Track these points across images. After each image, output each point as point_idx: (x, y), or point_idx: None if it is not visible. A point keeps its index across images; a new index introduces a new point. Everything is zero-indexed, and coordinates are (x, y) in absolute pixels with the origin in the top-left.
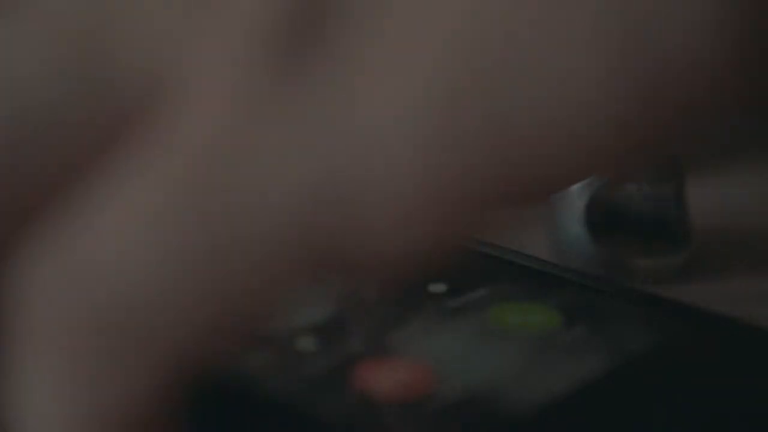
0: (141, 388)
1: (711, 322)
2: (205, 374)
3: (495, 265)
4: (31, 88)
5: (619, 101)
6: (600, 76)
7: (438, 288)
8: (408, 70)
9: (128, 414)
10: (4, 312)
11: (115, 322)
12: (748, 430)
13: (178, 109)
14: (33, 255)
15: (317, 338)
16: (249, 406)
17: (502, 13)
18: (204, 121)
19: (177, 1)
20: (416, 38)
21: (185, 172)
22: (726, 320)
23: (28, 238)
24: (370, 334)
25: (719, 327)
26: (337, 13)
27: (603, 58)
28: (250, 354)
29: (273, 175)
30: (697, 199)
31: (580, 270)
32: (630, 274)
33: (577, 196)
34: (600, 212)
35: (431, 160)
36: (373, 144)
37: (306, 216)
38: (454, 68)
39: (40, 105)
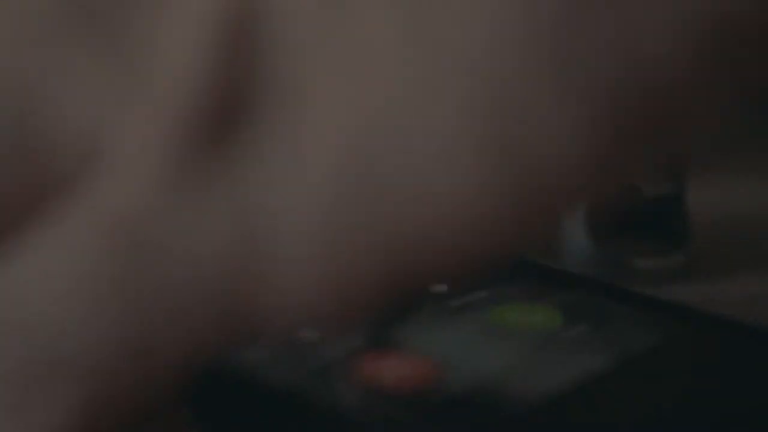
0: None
1: (711, 323)
2: (207, 366)
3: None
4: None
5: (491, 207)
6: (474, 185)
7: (440, 288)
8: (306, 168)
9: None
10: None
11: (38, 364)
12: (748, 430)
13: (104, 175)
14: None
15: (321, 330)
16: (253, 397)
17: (391, 128)
18: (129, 187)
19: (106, 74)
20: (316, 140)
21: (110, 229)
22: (726, 320)
23: None
24: (374, 327)
25: (719, 327)
26: (249, 107)
27: (477, 172)
28: (254, 346)
29: (186, 241)
30: (697, 199)
31: (581, 270)
32: (630, 274)
33: None
34: (601, 213)
35: (319, 246)
36: (273, 225)
37: (215, 279)
38: (343, 173)
39: None
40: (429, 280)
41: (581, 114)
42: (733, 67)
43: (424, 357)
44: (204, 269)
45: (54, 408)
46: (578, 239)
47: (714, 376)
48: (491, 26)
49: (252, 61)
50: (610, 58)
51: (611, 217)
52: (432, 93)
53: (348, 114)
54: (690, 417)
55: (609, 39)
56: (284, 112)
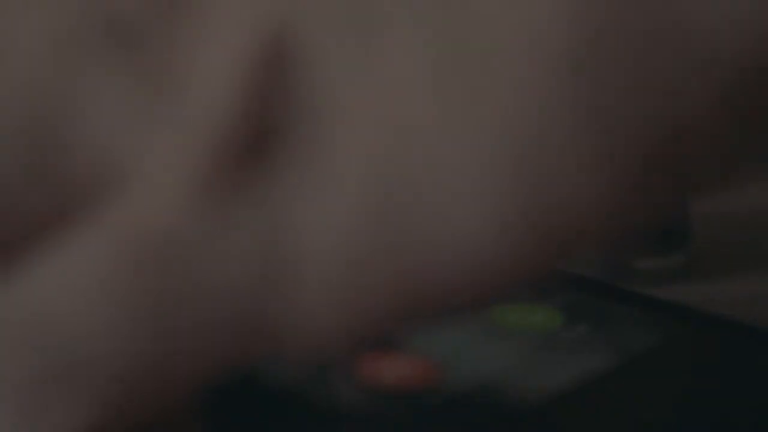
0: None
1: (711, 323)
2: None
3: None
4: None
5: (511, 245)
6: (496, 223)
7: None
8: (333, 195)
9: None
10: None
11: (57, 369)
12: (748, 430)
13: (130, 194)
14: None
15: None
16: (252, 396)
17: (418, 160)
18: (156, 205)
19: (137, 98)
20: (344, 168)
21: (135, 244)
22: (726, 320)
23: None
24: None
25: (719, 327)
26: (279, 135)
27: (501, 210)
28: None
29: (211, 259)
30: (697, 200)
31: (581, 270)
32: (630, 274)
33: None
34: None
35: (342, 270)
36: (298, 248)
37: (239, 298)
38: (370, 201)
39: None
40: (444, 307)
41: (605, 156)
42: (760, 108)
43: (424, 357)
44: (228, 288)
45: (70, 414)
46: None
47: (714, 376)
48: (519, 70)
49: (284, 92)
50: (636, 99)
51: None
52: (460, 131)
53: (376, 145)
54: (690, 417)
55: (634, 79)
56: (314, 141)
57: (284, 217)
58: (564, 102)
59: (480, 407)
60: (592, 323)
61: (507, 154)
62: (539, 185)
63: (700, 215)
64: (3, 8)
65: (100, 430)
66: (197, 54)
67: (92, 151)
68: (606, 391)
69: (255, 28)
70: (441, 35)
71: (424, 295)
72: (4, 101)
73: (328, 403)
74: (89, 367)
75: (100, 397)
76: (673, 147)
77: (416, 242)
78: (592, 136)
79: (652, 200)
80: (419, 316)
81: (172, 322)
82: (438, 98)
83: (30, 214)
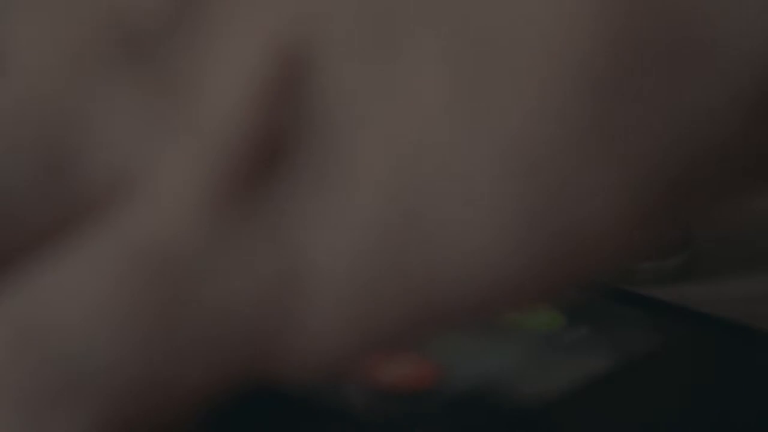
0: None
1: (711, 323)
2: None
3: None
4: None
5: (524, 264)
6: (510, 241)
7: None
8: (347, 212)
9: None
10: None
11: (60, 381)
12: (748, 430)
13: (139, 204)
14: None
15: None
16: (253, 396)
17: (433, 177)
18: (166, 217)
19: (149, 111)
20: (358, 185)
21: (142, 256)
22: (726, 321)
23: None
24: None
25: (720, 328)
26: (293, 150)
27: (515, 227)
28: None
29: (221, 274)
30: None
31: None
32: (631, 274)
33: None
34: None
35: (354, 289)
36: (310, 267)
37: (248, 316)
38: (384, 218)
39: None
40: (453, 325)
41: (623, 178)
42: None
43: (425, 357)
44: (237, 304)
45: (73, 427)
46: None
47: (715, 377)
48: (539, 87)
49: (298, 105)
50: (658, 123)
51: None
52: (476, 145)
53: (391, 158)
54: (691, 418)
55: (657, 94)
56: (329, 156)
57: (295, 233)
58: (583, 117)
59: (481, 408)
60: (593, 324)
61: (524, 170)
62: (556, 201)
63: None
64: (20, 21)
65: None
66: (211, 67)
67: (103, 162)
68: (608, 391)
69: (269, 40)
70: (458, 48)
71: (436, 312)
72: (19, 112)
73: (329, 404)
74: (93, 379)
75: (103, 410)
76: (698, 166)
77: (429, 259)
78: (612, 154)
79: (672, 219)
80: (431, 333)
81: (177, 336)
82: (454, 111)
83: (39, 224)
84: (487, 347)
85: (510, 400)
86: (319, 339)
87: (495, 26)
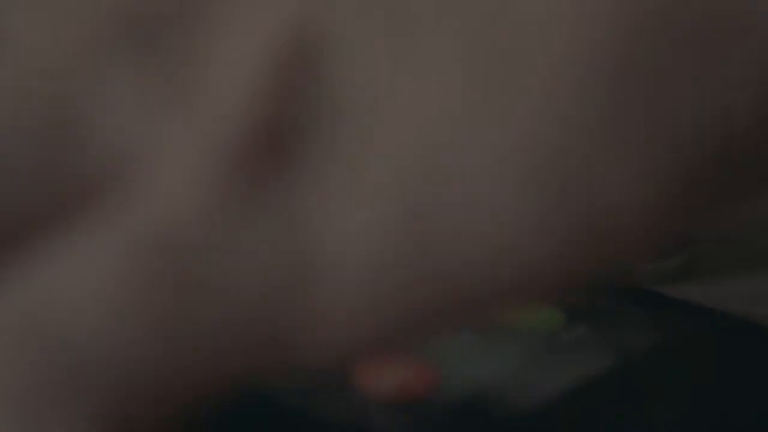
0: None
1: (712, 320)
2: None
3: None
4: None
5: (547, 248)
6: (532, 224)
7: None
8: (362, 198)
9: None
10: None
11: (61, 376)
12: (748, 428)
13: (140, 192)
14: None
15: None
16: (249, 403)
17: (451, 162)
18: (169, 205)
19: (155, 96)
20: (373, 171)
21: (144, 245)
22: (727, 318)
23: None
24: None
25: (720, 325)
26: (306, 135)
27: (537, 210)
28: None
29: (229, 264)
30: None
31: None
32: (631, 274)
33: None
34: None
35: (371, 277)
36: (324, 254)
37: (258, 306)
38: (401, 204)
39: None
40: (472, 314)
41: (649, 165)
42: None
43: (424, 360)
44: (246, 294)
45: (73, 423)
46: None
47: (715, 374)
48: (559, 69)
49: (308, 90)
50: (687, 110)
51: None
52: (497, 129)
53: (405, 144)
54: (692, 416)
55: (684, 84)
56: (343, 142)
57: (307, 219)
58: (607, 102)
59: (481, 409)
60: (593, 324)
61: (545, 157)
62: (579, 190)
63: None
64: (26, 6)
65: None
66: (218, 52)
67: (105, 145)
68: (607, 389)
69: (279, 26)
70: (473, 34)
71: (455, 301)
72: (22, 96)
73: (327, 409)
74: (96, 376)
75: (106, 408)
76: (728, 153)
77: (447, 245)
78: (639, 141)
79: (701, 210)
80: (449, 325)
81: (186, 328)
82: (470, 96)
83: (36, 206)
84: (486, 348)
85: (510, 399)
86: (334, 327)
87: (509, 9)
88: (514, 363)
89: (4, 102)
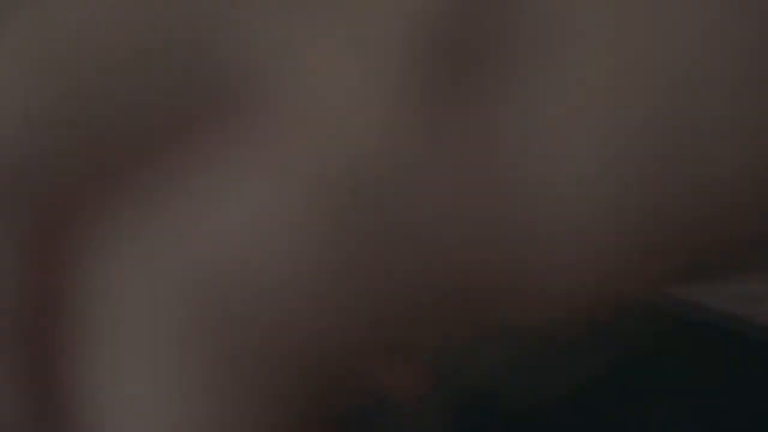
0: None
1: (712, 321)
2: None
3: None
4: (118, 69)
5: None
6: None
7: None
8: (584, 122)
9: None
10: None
11: (234, 329)
12: (748, 429)
13: (317, 121)
14: (112, 244)
15: None
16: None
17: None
18: (354, 133)
19: (317, 15)
20: (574, 97)
21: (329, 185)
22: (727, 319)
23: (92, 219)
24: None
25: (720, 326)
26: (500, 40)
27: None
28: None
29: (424, 197)
30: None
31: None
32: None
33: None
34: None
35: (599, 222)
36: (526, 187)
37: (456, 248)
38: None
39: (126, 86)
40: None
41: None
42: None
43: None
44: (446, 232)
45: (257, 401)
46: None
47: (715, 374)
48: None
49: (496, 12)
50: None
51: None
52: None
53: (610, 67)
54: (691, 415)
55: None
56: (541, 53)
57: (509, 143)
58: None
59: (478, 406)
60: (594, 323)
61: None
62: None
63: None
64: None
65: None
66: None
67: (237, 49)
68: (607, 389)
69: None
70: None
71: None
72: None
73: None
74: (280, 339)
75: (293, 380)
76: None
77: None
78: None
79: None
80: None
81: (374, 279)
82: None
83: (193, 109)
84: (484, 347)
85: (507, 399)
86: (548, 287)
87: None
88: (513, 362)
89: (153, 18)
